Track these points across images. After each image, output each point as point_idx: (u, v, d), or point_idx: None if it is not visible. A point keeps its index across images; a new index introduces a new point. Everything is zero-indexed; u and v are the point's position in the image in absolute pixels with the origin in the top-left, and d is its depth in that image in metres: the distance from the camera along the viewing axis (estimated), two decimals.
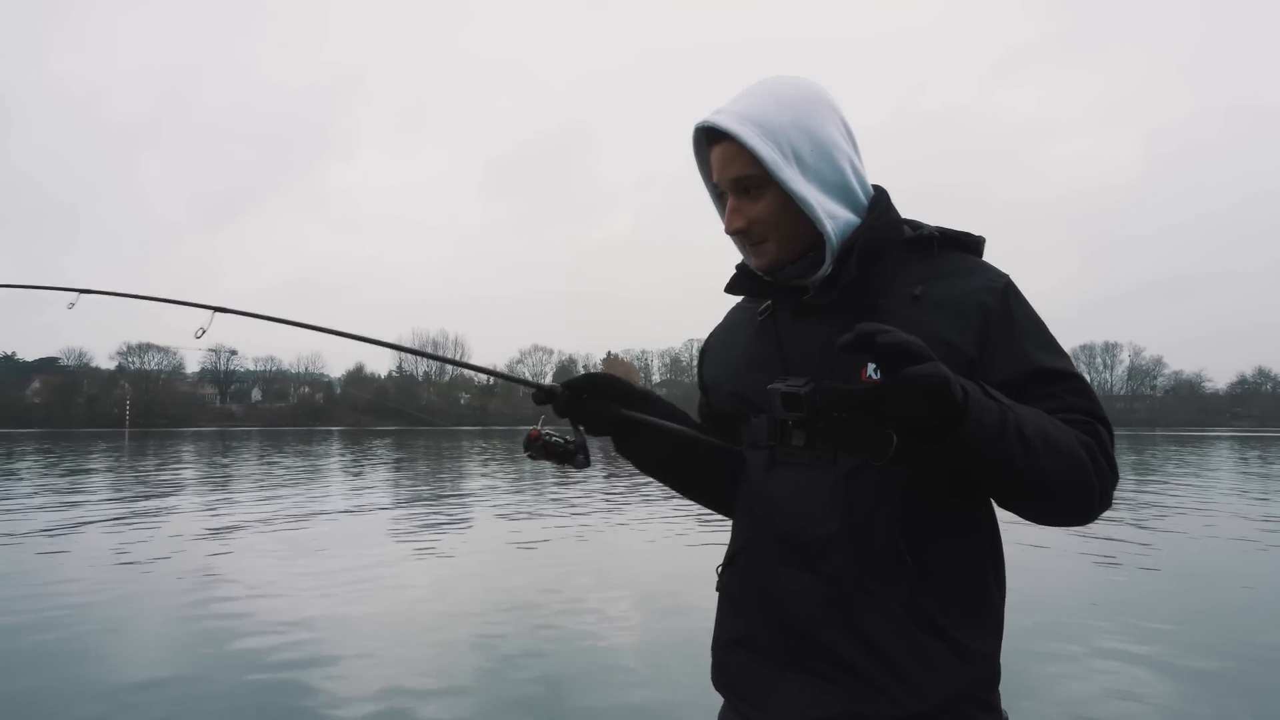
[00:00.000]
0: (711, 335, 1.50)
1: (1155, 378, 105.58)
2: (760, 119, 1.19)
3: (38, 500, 14.62)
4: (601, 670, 5.01)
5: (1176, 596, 7.16)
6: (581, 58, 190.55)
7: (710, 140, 1.25)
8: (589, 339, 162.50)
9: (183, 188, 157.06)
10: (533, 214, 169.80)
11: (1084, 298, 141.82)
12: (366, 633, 5.84)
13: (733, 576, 1.33)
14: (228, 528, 11.28)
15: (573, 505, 14.00)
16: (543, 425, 1.34)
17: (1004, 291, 1.20)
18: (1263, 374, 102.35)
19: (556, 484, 17.40)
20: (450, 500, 15.22)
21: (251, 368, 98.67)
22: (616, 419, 1.33)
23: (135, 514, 12.78)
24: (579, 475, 17.35)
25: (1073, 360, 1.21)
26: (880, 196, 1.28)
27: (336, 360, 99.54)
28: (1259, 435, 62.58)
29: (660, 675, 4.92)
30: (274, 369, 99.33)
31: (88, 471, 22.55)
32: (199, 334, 1.56)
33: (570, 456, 1.30)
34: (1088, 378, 1.21)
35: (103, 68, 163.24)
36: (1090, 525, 1.37)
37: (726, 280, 1.36)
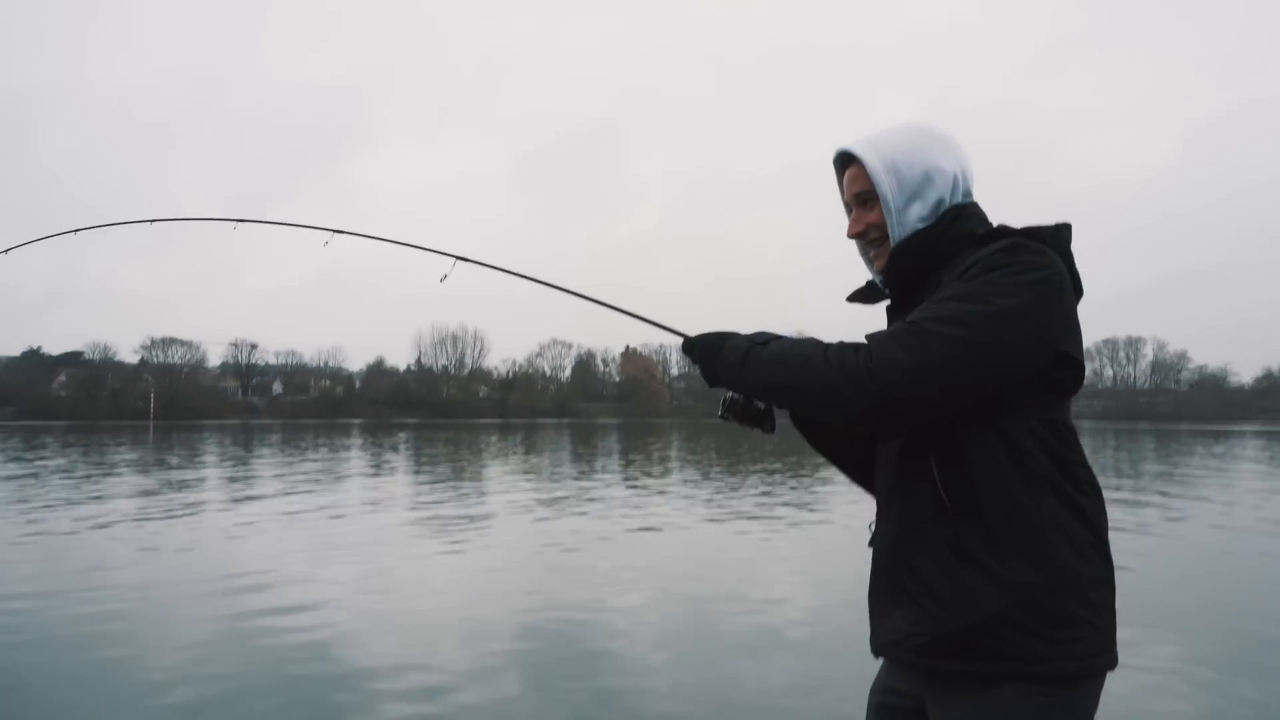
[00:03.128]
0: None
1: (1179, 372, 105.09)
2: (875, 142, 1.52)
3: (59, 494, 14.68)
4: None
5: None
6: (605, 52, 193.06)
7: (844, 164, 1.59)
8: (609, 334, 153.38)
9: (209, 185, 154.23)
10: (557, 210, 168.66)
11: (1109, 292, 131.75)
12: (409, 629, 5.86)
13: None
14: (254, 519, 11.33)
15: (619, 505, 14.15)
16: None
17: (973, 264, 1.39)
18: None
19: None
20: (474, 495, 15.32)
21: (273, 361, 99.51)
22: None
23: (162, 507, 12.80)
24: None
25: (960, 321, 1.32)
26: (950, 210, 1.51)
27: (356, 354, 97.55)
28: None
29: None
30: (295, 363, 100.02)
31: (114, 465, 22.60)
32: (443, 279, 2.01)
33: (761, 421, 1.55)
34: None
35: (134, 68, 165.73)
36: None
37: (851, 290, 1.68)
